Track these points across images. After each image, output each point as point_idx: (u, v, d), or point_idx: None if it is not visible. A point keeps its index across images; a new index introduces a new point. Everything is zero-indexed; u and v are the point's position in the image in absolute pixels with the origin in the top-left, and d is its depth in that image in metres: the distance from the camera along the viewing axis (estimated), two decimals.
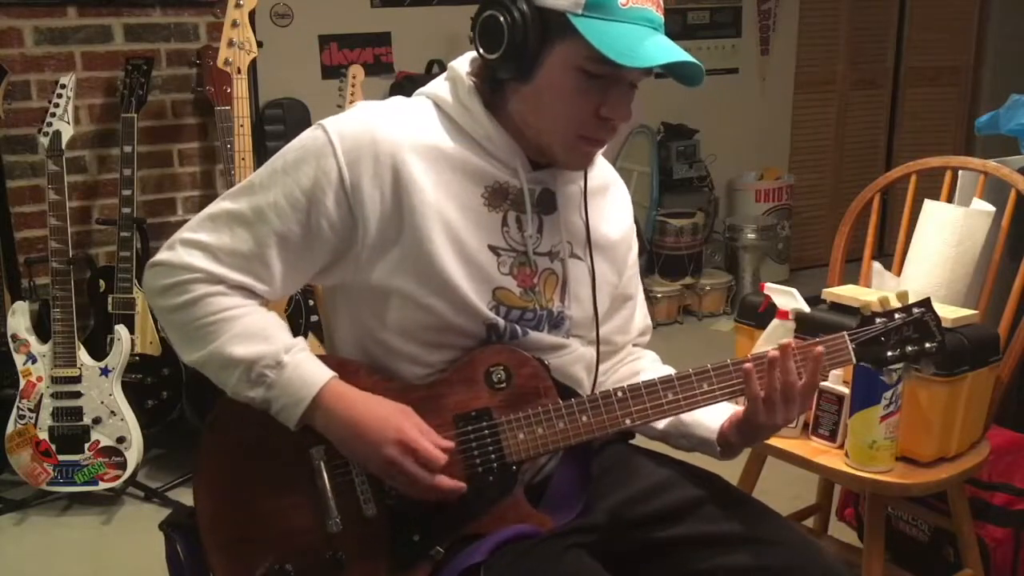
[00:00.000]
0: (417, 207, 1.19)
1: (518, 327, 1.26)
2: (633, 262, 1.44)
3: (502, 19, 1.16)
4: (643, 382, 1.24)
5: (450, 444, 1.19)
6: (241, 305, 1.21)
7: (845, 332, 1.27)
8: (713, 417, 1.32)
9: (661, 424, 1.36)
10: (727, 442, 1.31)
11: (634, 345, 1.48)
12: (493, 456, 1.22)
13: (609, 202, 1.38)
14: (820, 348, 1.24)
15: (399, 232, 1.20)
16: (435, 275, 1.20)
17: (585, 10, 1.13)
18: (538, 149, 1.25)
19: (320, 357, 1.22)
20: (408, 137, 1.21)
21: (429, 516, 1.21)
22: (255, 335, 1.18)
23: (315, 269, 1.25)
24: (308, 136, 1.22)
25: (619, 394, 1.23)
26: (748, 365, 1.22)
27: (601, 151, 1.32)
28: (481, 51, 1.21)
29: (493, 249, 1.25)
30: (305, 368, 1.18)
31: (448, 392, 1.23)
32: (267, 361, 1.17)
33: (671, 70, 1.19)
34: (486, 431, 1.22)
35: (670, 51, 1.14)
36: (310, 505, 1.21)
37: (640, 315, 1.48)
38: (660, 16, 1.18)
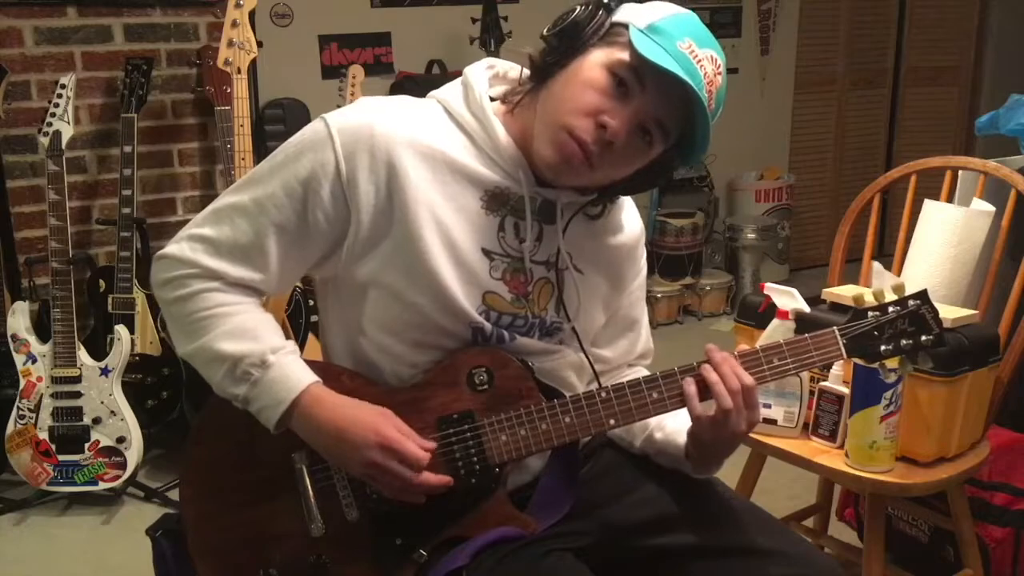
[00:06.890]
0: (409, 203, 1.19)
1: (506, 332, 1.26)
2: (639, 285, 1.42)
3: (580, 8, 1.19)
4: (628, 381, 1.22)
5: (432, 444, 1.18)
6: (237, 302, 1.21)
7: (835, 327, 1.25)
8: (682, 433, 1.29)
9: (638, 442, 1.36)
10: (693, 459, 1.28)
11: (631, 366, 1.47)
12: (475, 458, 1.21)
13: (614, 217, 1.36)
14: (723, 354, 1.20)
15: (390, 226, 1.20)
16: (424, 272, 1.20)
17: (646, 30, 1.16)
18: (531, 152, 1.22)
19: (306, 362, 1.22)
20: (407, 134, 1.21)
21: (412, 519, 1.20)
22: (245, 333, 1.19)
23: (312, 260, 1.25)
24: (309, 129, 1.23)
25: (603, 394, 1.22)
26: (691, 389, 1.19)
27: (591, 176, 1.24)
28: (544, 31, 1.21)
29: (486, 253, 1.24)
30: (290, 370, 1.18)
31: (431, 395, 1.23)
32: (253, 359, 1.17)
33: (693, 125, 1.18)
34: (468, 433, 1.21)
35: (691, 75, 1.13)
36: (293, 510, 1.21)
37: (644, 338, 1.46)
38: (700, 76, 1.15)
